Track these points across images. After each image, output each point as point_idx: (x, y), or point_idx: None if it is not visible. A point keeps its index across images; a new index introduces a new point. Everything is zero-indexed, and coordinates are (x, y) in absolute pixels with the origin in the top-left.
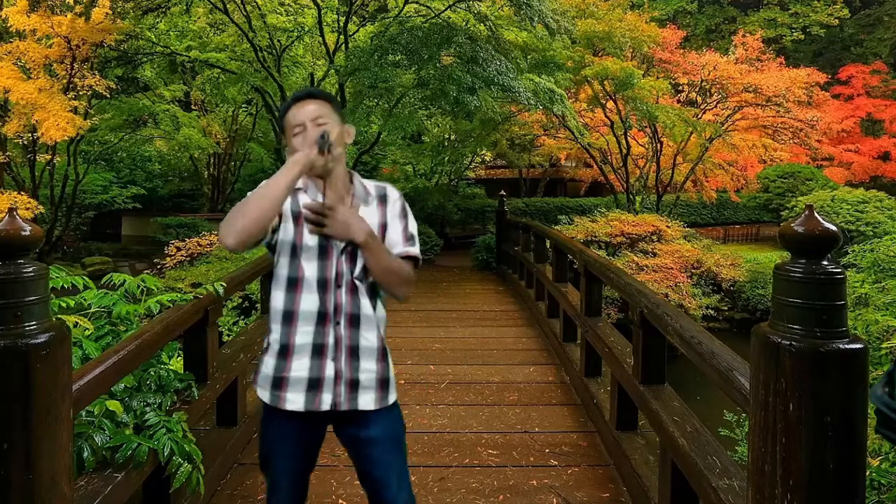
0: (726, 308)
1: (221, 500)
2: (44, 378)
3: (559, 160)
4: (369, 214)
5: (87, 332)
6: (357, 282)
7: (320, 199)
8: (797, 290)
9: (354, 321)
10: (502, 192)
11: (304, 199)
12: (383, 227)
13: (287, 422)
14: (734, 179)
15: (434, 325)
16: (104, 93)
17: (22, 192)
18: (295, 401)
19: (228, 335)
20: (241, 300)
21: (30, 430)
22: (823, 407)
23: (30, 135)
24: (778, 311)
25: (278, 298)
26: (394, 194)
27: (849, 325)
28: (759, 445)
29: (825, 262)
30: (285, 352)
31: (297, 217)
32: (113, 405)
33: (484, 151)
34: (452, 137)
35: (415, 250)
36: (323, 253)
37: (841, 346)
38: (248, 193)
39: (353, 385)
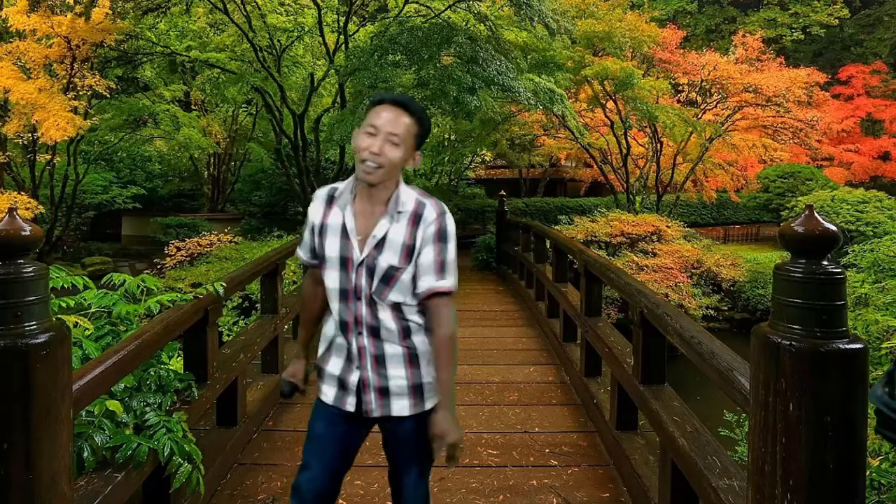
0: (726, 308)
1: (221, 500)
2: (44, 378)
3: (559, 160)
4: (394, 232)
5: (87, 332)
6: (375, 298)
7: (348, 210)
8: (797, 290)
9: (375, 332)
10: (502, 192)
11: (335, 207)
12: (409, 248)
13: (327, 408)
14: (734, 179)
15: None
16: (104, 93)
17: (22, 192)
18: (327, 393)
19: (228, 335)
20: (241, 300)
21: (30, 430)
22: (823, 407)
23: (30, 135)
24: (778, 311)
25: (329, 303)
26: (431, 214)
27: (849, 325)
28: (759, 445)
29: (825, 262)
30: (329, 346)
31: (322, 229)
32: (113, 405)
33: (484, 151)
34: (452, 137)
35: (446, 285)
36: (343, 266)
37: (841, 346)
38: (304, 298)
39: (384, 392)
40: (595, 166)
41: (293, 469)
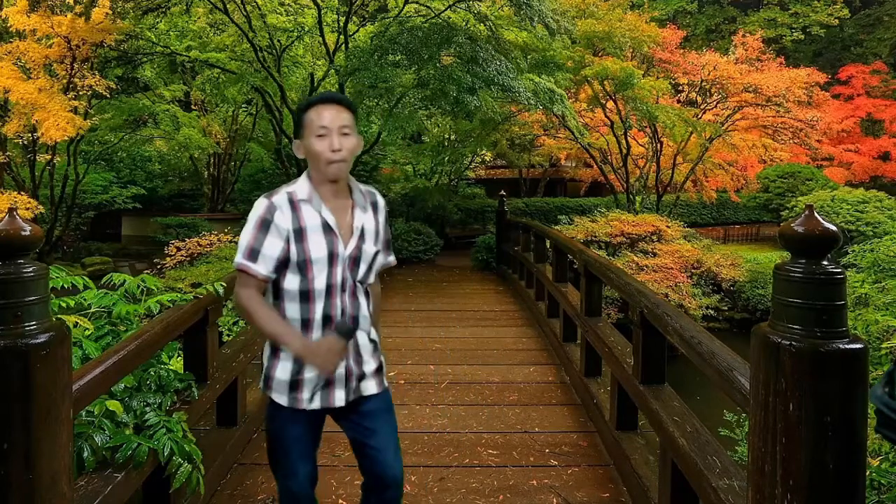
0: (726, 308)
1: (221, 500)
2: (44, 378)
3: (559, 160)
4: (368, 221)
5: (87, 332)
6: (359, 284)
7: (324, 209)
8: (797, 290)
9: (355, 322)
10: (502, 192)
11: (307, 209)
12: (377, 233)
13: (298, 415)
14: (734, 179)
15: (434, 326)
16: (104, 93)
17: (22, 192)
18: (309, 399)
19: (228, 335)
20: None
21: (30, 430)
22: (823, 407)
23: (30, 135)
24: (778, 311)
25: (293, 309)
26: (381, 201)
27: (849, 325)
28: (759, 445)
29: (825, 262)
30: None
31: (299, 233)
32: (113, 405)
33: (484, 151)
34: (452, 137)
35: (393, 259)
36: (330, 262)
37: (841, 346)
38: (262, 310)
39: (361, 378)
40: (595, 166)
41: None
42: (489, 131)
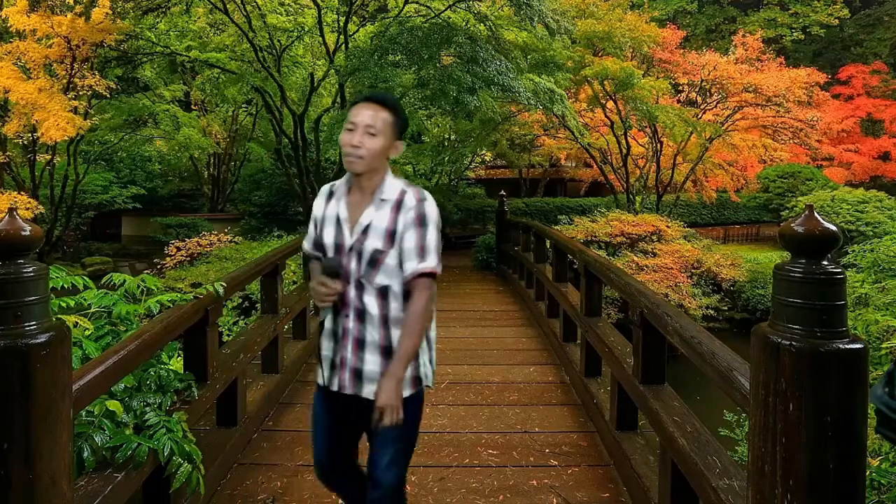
0: (726, 308)
1: (221, 500)
2: (44, 378)
3: (559, 160)
4: (378, 219)
5: (87, 332)
6: (363, 281)
7: (342, 202)
8: (797, 290)
9: (361, 316)
10: (502, 192)
11: (332, 201)
12: (391, 233)
13: (322, 392)
14: (734, 179)
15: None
16: (104, 93)
17: (22, 192)
18: (322, 374)
19: (228, 335)
20: (241, 300)
21: (30, 430)
22: (823, 407)
23: (30, 135)
24: (778, 311)
25: None
26: (410, 201)
27: (849, 325)
28: (759, 445)
29: (825, 262)
30: (322, 331)
31: (322, 220)
32: (113, 405)
33: (484, 151)
34: (452, 137)
35: (428, 266)
36: (338, 250)
37: (841, 346)
38: (312, 267)
39: (357, 374)
40: (595, 166)
41: (293, 469)
42: (489, 131)
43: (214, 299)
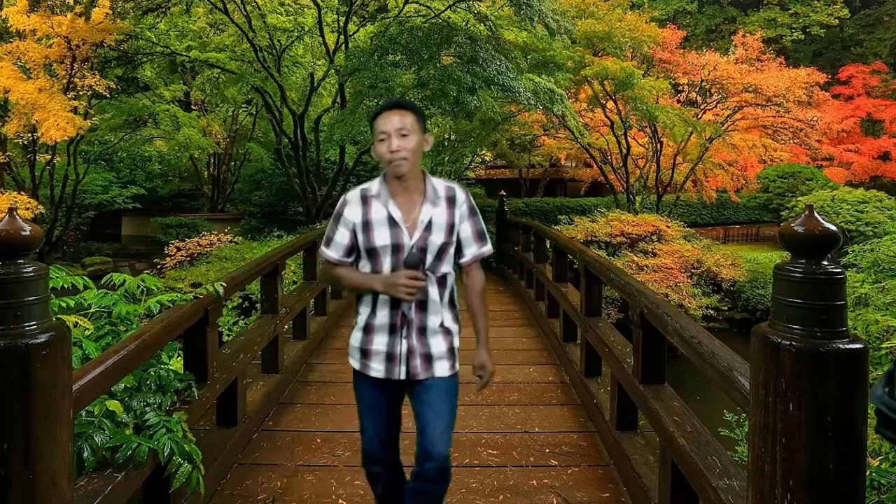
0: (726, 308)
1: (221, 500)
2: (44, 378)
3: (559, 160)
4: (437, 215)
5: (87, 332)
6: (427, 273)
7: (391, 204)
8: (797, 290)
9: (422, 306)
10: (502, 192)
11: (375, 204)
12: (451, 226)
13: (369, 381)
14: (734, 179)
15: None
16: (104, 93)
17: (22, 192)
18: (377, 369)
19: (228, 335)
20: (241, 300)
21: (30, 430)
22: (823, 407)
23: (30, 135)
24: (778, 311)
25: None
26: (461, 196)
27: (849, 325)
28: (759, 445)
29: (825, 262)
30: (368, 329)
31: (366, 225)
32: (113, 405)
33: (484, 151)
34: (452, 137)
35: (487, 249)
36: (395, 251)
37: (841, 346)
38: (341, 272)
39: (428, 358)
40: (595, 166)
41: (293, 469)
42: (489, 131)
43: (214, 299)
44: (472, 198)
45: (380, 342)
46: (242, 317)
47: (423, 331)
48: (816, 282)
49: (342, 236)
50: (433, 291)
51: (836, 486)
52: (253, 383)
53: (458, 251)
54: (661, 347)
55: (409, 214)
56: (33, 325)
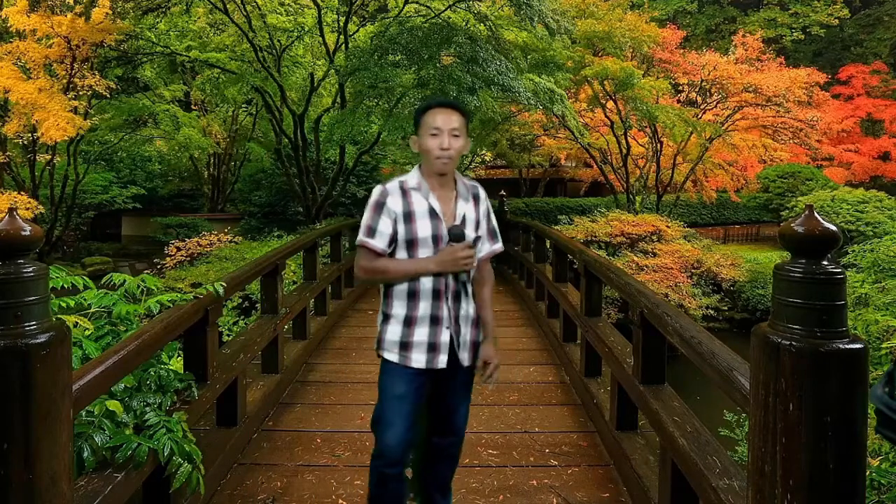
0: (726, 308)
1: (221, 500)
2: (44, 378)
3: (559, 160)
4: (469, 211)
5: (87, 332)
6: None
7: (431, 197)
8: (797, 290)
9: (458, 296)
10: (502, 192)
11: (416, 196)
12: (478, 222)
13: (404, 374)
14: (734, 179)
15: None
16: (104, 93)
17: (22, 192)
18: (419, 360)
19: (228, 335)
20: (241, 300)
21: (30, 430)
22: (823, 407)
23: (30, 135)
24: (778, 311)
25: (402, 282)
26: (482, 194)
27: (849, 325)
28: (759, 445)
29: (825, 262)
30: (410, 322)
31: (408, 216)
32: (113, 405)
33: (484, 151)
34: None
35: (499, 246)
36: (435, 242)
37: (841, 346)
38: (385, 263)
39: (476, 346)
40: (595, 166)
41: (293, 469)
42: (489, 131)
43: (214, 299)
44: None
45: (422, 333)
46: (242, 317)
47: (465, 319)
48: (816, 282)
49: (386, 225)
50: (466, 282)
51: (836, 486)
52: (253, 383)
53: None
54: (661, 347)
55: (446, 208)
56: (33, 325)
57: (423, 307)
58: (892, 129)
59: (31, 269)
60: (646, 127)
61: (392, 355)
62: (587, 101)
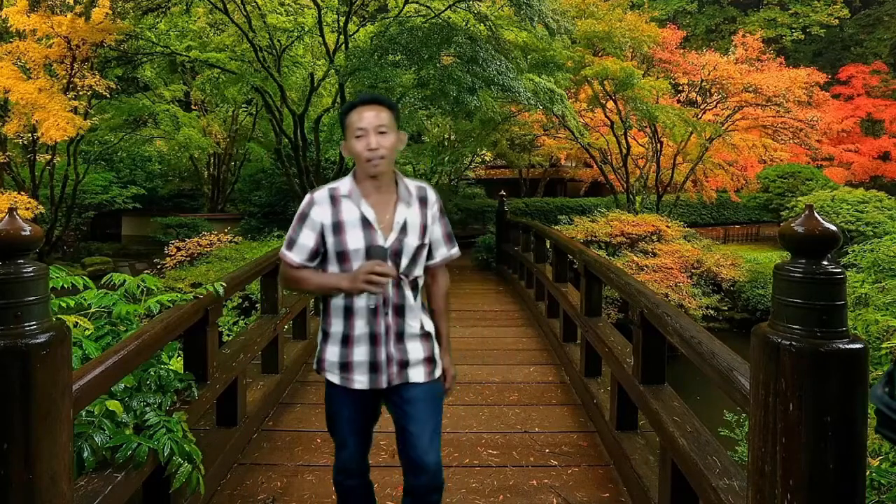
0: (726, 308)
1: (221, 500)
2: (44, 378)
3: (559, 160)
4: (412, 216)
5: (87, 332)
6: (403, 277)
7: (363, 204)
8: (797, 290)
9: (400, 311)
10: (502, 192)
11: (347, 204)
12: (424, 228)
13: (350, 394)
14: (734, 179)
15: None
16: (104, 93)
17: (22, 192)
18: (361, 381)
19: (228, 335)
20: (241, 300)
21: (30, 430)
22: (823, 407)
23: (30, 135)
24: (778, 311)
25: (338, 297)
26: (432, 196)
27: (849, 325)
28: (759, 445)
29: (825, 262)
30: (346, 341)
31: (337, 226)
32: (113, 405)
33: (484, 151)
34: (452, 137)
35: (456, 251)
36: (367, 254)
37: (841, 346)
38: (304, 275)
39: (404, 364)
40: (595, 166)
41: (293, 469)
42: (489, 131)
43: (214, 299)
44: (440, 199)
45: (361, 353)
46: (242, 317)
47: (400, 336)
48: (816, 282)
49: (307, 238)
50: (409, 296)
51: (836, 486)
52: (253, 383)
53: (428, 253)
54: (661, 347)
55: (382, 215)
56: (33, 325)
57: (360, 325)
58: (892, 129)
59: (31, 269)
60: (646, 127)
61: (333, 377)
62: (587, 101)
